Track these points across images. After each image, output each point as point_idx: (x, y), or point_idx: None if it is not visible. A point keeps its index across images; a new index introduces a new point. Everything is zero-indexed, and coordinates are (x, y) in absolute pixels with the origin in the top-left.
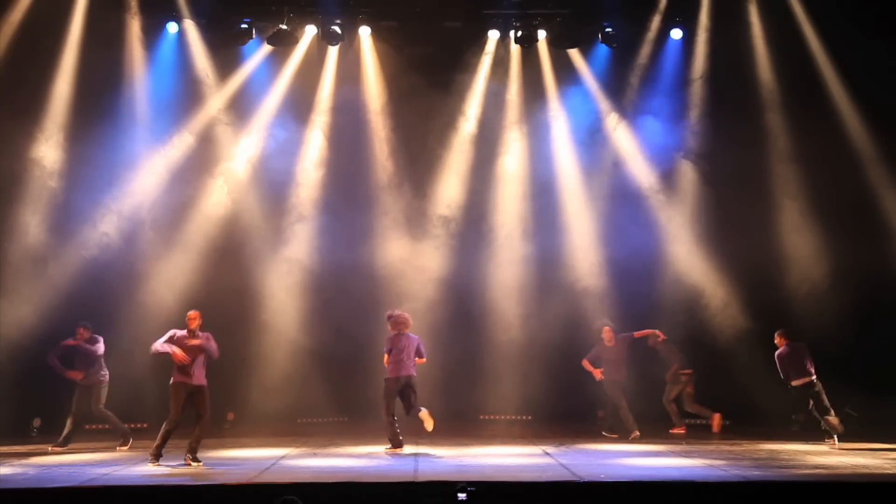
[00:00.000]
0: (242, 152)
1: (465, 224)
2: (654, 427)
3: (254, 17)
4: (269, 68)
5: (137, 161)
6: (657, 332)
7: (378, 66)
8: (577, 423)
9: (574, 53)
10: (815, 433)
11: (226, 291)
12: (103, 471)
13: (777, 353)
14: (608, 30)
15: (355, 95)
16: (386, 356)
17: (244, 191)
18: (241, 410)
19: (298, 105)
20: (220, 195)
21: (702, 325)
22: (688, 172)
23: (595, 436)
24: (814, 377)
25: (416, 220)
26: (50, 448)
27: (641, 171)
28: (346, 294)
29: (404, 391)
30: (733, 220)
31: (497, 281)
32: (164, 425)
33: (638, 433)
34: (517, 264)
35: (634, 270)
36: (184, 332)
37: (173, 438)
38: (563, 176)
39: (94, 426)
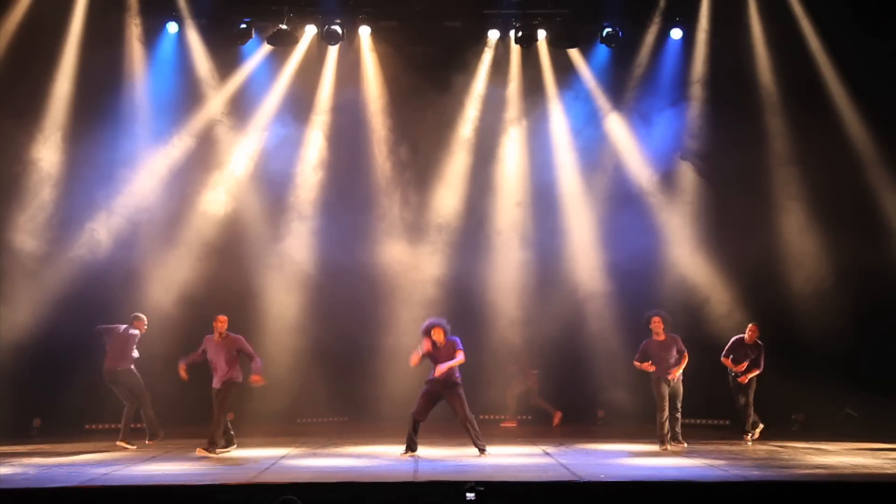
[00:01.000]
0: (242, 152)
1: (465, 224)
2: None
3: (254, 17)
4: (269, 68)
5: (137, 161)
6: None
7: (378, 66)
8: (577, 423)
9: (574, 53)
10: (816, 433)
11: (225, 291)
12: (103, 471)
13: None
14: (608, 30)
15: (355, 95)
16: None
17: (244, 191)
18: (241, 410)
19: (298, 105)
20: (220, 195)
21: (702, 325)
22: (688, 173)
23: (595, 436)
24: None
25: (416, 221)
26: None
27: (641, 173)
28: (345, 294)
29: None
30: (734, 222)
31: (497, 281)
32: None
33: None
34: (517, 265)
35: (634, 272)
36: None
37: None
38: (562, 176)
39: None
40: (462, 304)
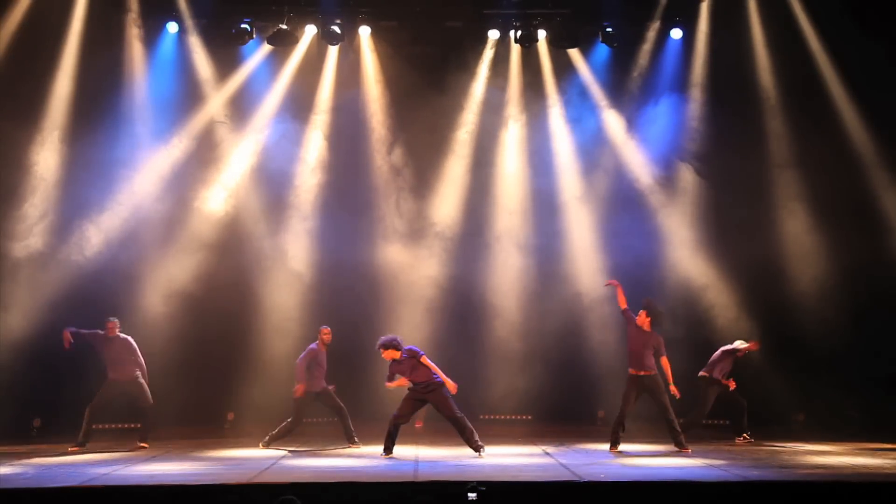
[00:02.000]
0: (242, 152)
1: (465, 225)
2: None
3: (254, 17)
4: (269, 68)
5: (137, 161)
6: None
7: (378, 66)
8: (577, 423)
9: (574, 53)
10: (816, 433)
11: (225, 292)
12: (103, 471)
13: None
14: (608, 30)
15: (355, 95)
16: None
17: (243, 191)
18: (241, 410)
19: (298, 105)
20: (220, 195)
21: (703, 326)
22: (688, 174)
23: (595, 436)
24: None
25: (415, 221)
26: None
27: (641, 174)
28: (345, 294)
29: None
30: (734, 223)
31: (496, 281)
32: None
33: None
34: (517, 265)
35: (635, 273)
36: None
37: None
38: (562, 177)
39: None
40: (462, 305)
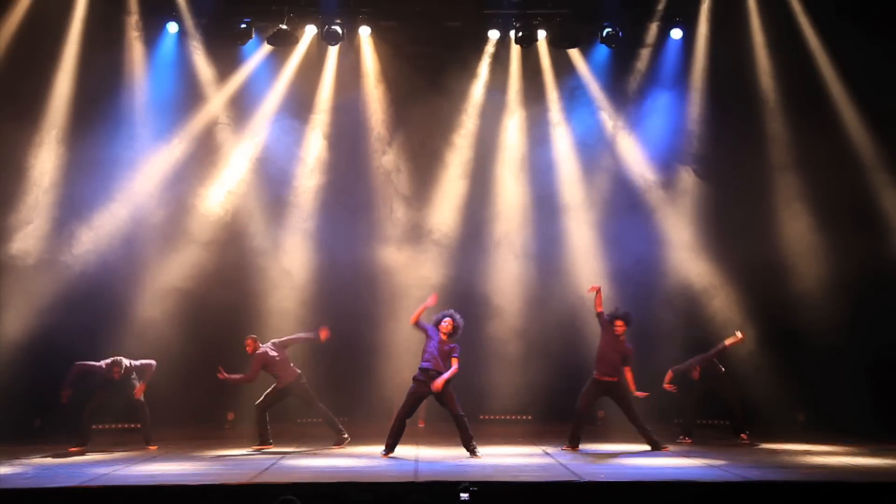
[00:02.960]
0: (242, 152)
1: (464, 225)
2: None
3: (254, 17)
4: (269, 68)
5: (137, 161)
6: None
7: (378, 66)
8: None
9: (574, 53)
10: (816, 433)
11: (225, 292)
12: (103, 471)
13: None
14: (608, 30)
15: (355, 96)
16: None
17: (243, 191)
18: (241, 410)
19: (298, 105)
20: (219, 195)
21: (704, 328)
22: (689, 174)
23: (595, 436)
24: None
25: (415, 221)
26: None
27: (642, 175)
28: (346, 294)
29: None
30: (734, 225)
31: (496, 281)
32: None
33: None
34: (517, 266)
35: (635, 275)
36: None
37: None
38: (562, 178)
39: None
40: (462, 305)
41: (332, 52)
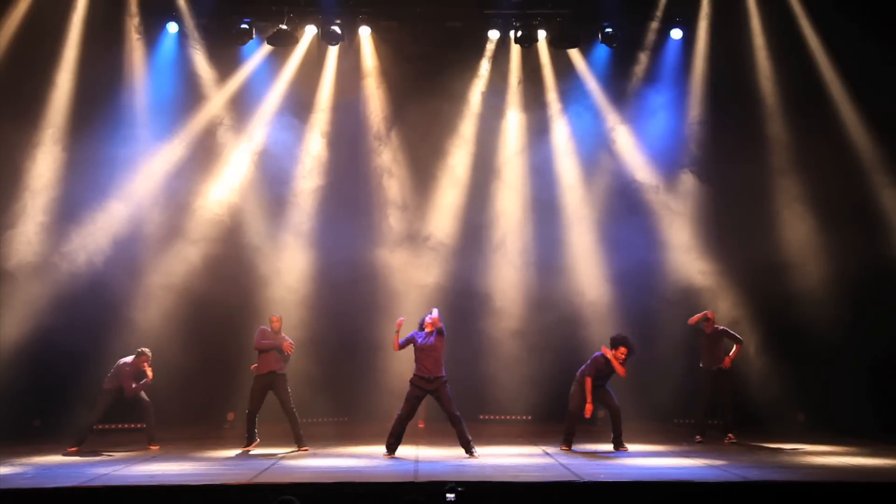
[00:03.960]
0: (242, 152)
1: (464, 226)
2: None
3: (254, 17)
4: (269, 68)
5: (137, 162)
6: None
7: (378, 67)
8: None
9: (574, 54)
10: (816, 433)
11: (225, 292)
12: (103, 471)
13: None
14: (608, 30)
15: (355, 96)
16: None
17: (243, 191)
18: (241, 410)
19: (298, 105)
20: (219, 195)
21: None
22: (688, 175)
23: (595, 436)
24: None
25: (415, 221)
26: None
27: (642, 175)
28: (346, 295)
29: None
30: (735, 225)
31: (496, 281)
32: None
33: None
34: (517, 266)
35: (636, 276)
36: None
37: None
38: (563, 178)
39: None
40: (462, 305)
41: (332, 52)
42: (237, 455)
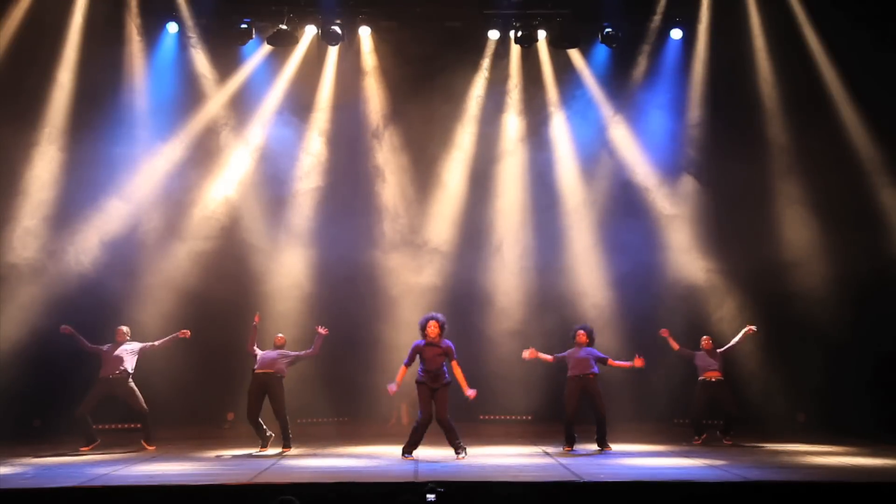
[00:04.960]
0: (241, 152)
1: (465, 227)
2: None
3: (254, 17)
4: (269, 68)
5: (137, 162)
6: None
7: (378, 67)
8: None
9: (574, 54)
10: (816, 433)
11: (225, 292)
12: (103, 471)
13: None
14: (608, 30)
15: (355, 96)
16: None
17: (243, 191)
18: (241, 410)
19: (298, 105)
20: (219, 195)
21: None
22: (688, 176)
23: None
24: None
25: (415, 221)
26: None
27: (642, 175)
28: (345, 295)
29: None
30: (735, 226)
31: (496, 281)
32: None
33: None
34: (518, 267)
35: (636, 276)
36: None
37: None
38: (563, 179)
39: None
40: (462, 305)
41: (332, 52)
42: (242, 455)
